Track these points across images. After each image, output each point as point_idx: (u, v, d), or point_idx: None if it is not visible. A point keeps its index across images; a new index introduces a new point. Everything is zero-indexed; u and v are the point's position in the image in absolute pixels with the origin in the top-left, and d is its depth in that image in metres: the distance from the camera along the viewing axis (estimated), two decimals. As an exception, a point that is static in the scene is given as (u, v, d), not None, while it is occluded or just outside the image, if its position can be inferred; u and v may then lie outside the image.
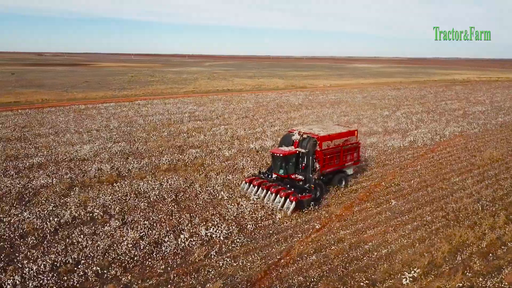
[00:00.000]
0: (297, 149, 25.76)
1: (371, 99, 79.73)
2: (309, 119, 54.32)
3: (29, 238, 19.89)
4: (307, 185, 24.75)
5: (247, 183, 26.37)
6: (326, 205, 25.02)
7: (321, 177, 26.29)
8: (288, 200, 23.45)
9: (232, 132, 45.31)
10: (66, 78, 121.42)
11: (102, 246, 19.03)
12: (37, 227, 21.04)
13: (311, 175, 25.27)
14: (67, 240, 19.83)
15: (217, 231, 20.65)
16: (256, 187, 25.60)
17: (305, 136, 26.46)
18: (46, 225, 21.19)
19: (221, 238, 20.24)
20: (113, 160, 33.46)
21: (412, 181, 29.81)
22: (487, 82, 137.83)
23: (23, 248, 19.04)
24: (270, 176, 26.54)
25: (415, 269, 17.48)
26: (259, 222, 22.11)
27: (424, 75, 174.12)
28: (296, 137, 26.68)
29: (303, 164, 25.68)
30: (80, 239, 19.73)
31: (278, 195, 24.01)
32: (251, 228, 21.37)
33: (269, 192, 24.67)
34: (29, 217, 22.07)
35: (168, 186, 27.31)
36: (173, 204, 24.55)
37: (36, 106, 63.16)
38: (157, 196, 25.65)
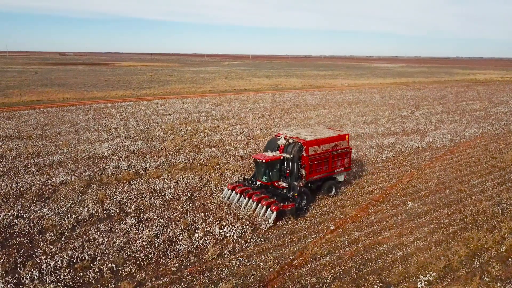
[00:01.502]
0: (281, 154, 24.54)
1: (390, 99, 78.66)
2: (326, 119, 54.01)
3: (48, 234, 20.35)
4: (290, 193, 23.44)
5: (230, 190, 24.95)
6: (341, 206, 24.82)
7: (309, 185, 25.00)
8: (269, 209, 22.14)
9: (248, 132, 45.41)
10: (87, 77, 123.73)
11: (117, 243, 19.33)
12: (56, 223, 21.51)
13: (295, 183, 23.79)
14: (84, 236, 20.21)
15: (231, 230, 20.69)
16: (238, 194, 24.23)
17: (291, 140, 25.13)
18: (64, 221, 21.65)
19: (235, 237, 20.28)
20: (131, 158, 33.95)
21: (430, 183, 29.28)
22: (510, 82, 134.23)
23: (42, 243, 19.50)
24: (254, 183, 25.21)
25: (430, 273, 17.19)
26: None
27: (446, 75, 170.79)
28: (281, 141, 25.40)
29: (287, 171, 24.30)
30: (96, 236, 20.09)
31: (260, 204, 22.76)
32: (265, 228, 21.37)
33: (250, 200, 23.32)
34: (48, 214, 22.58)
35: (183, 185, 27.56)
36: (188, 202, 24.75)
37: (57, 104, 64.54)
38: (173, 195, 25.90)
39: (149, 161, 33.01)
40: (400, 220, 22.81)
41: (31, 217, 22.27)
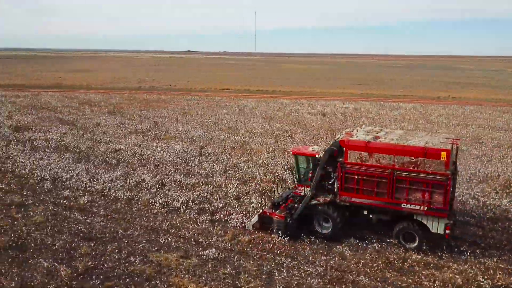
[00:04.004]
0: (316, 151, 17.82)
1: None
2: None
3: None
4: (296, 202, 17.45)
5: None
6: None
7: (343, 207, 16.67)
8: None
9: None
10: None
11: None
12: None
13: (313, 192, 16.90)
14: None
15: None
16: None
17: (357, 137, 16.87)
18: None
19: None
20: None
21: None
22: None
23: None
24: None
25: None
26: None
27: None
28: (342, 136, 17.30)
29: (310, 174, 17.89)
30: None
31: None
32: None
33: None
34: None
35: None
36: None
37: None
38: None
39: None
40: None
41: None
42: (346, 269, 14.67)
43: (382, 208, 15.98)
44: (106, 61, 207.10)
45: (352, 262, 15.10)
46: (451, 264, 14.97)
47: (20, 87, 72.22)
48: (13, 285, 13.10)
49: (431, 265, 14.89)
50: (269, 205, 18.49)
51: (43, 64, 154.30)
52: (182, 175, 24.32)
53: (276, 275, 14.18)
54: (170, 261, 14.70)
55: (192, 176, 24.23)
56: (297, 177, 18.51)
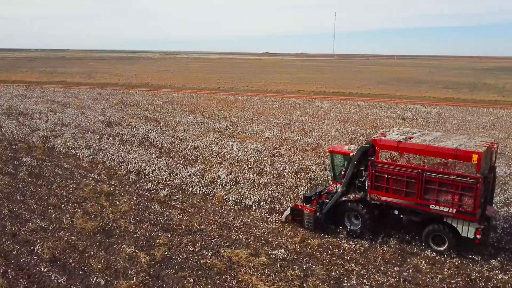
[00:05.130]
0: (351, 149, 17.97)
1: None
2: None
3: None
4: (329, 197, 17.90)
5: None
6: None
7: (373, 206, 16.77)
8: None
9: None
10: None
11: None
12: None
13: (345, 189, 17.17)
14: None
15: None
16: None
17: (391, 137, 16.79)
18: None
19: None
20: None
21: None
22: None
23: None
24: None
25: None
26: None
27: None
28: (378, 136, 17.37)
29: (342, 172, 18.09)
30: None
31: None
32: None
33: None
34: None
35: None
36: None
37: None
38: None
39: None
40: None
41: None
42: (421, 282, 13.90)
43: (412, 208, 15.88)
44: (188, 62, 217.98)
45: (428, 276, 14.26)
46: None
47: (114, 85, 78.90)
48: (99, 266, 14.37)
49: (520, 288, 13.53)
50: (301, 198, 18.97)
51: (134, 65, 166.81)
52: (255, 174, 24.82)
53: (345, 281, 13.89)
54: (240, 258, 15.09)
55: (265, 176, 24.60)
56: (332, 174, 19.00)
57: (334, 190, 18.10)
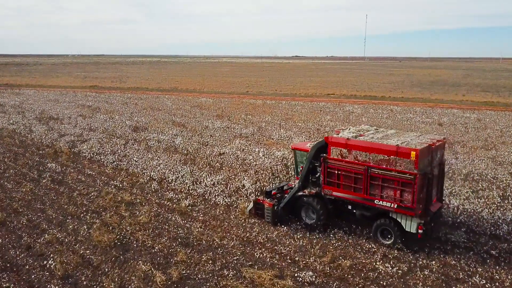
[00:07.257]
0: (309, 146, 18.48)
1: None
2: None
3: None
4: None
5: None
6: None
7: (327, 200, 17.43)
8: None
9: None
10: None
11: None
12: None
13: (299, 184, 18.03)
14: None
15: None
16: None
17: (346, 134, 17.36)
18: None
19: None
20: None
21: None
22: None
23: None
24: None
25: None
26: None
27: None
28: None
29: (300, 168, 18.70)
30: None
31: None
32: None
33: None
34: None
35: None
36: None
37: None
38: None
39: None
40: None
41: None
42: (469, 317, 12.14)
43: (361, 203, 16.53)
44: (218, 65, 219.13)
45: (478, 309, 12.47)
46: None
47: (144, 90, 79.58)
48: (112, 286, 13.42)
49: None
50: (264, 193, 19.73)
51: (164, 69, 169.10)
52: (282, 184, 23.41)
53: (381, 312, 12.32)
54: (264, 280, 13.77)
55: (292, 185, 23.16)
56: (295, 170, 19.49)
57: (294, 185, 18.86)
